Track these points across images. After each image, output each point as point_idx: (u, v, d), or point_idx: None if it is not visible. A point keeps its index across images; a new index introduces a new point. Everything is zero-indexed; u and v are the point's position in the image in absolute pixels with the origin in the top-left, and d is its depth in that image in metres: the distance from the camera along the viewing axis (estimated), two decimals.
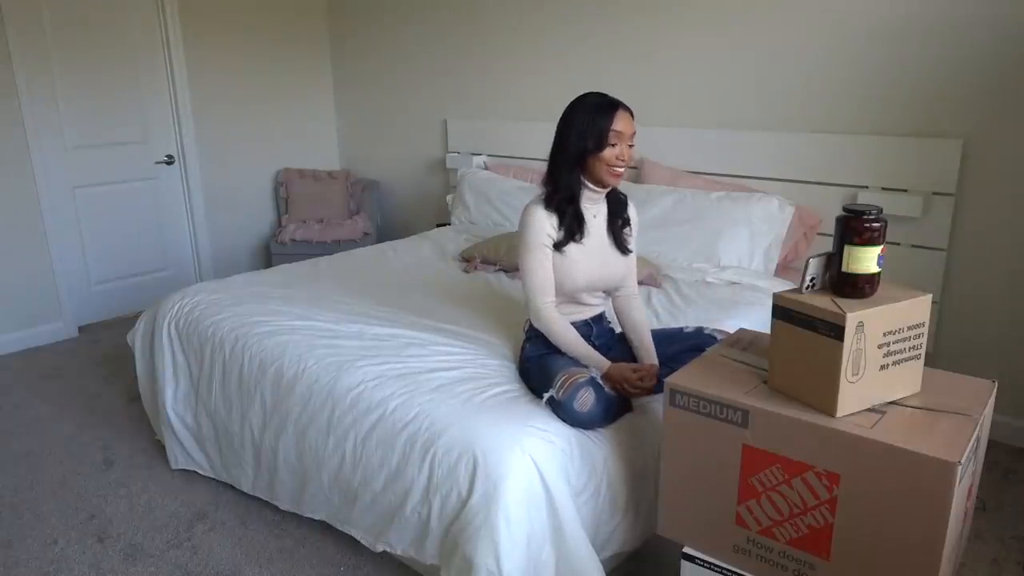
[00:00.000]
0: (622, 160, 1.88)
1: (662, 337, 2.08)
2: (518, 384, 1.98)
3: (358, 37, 4.68)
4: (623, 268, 2.06)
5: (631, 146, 1.90)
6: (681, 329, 2.09)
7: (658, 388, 1.87)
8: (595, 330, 2.09)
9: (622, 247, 2.05)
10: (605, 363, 1.92)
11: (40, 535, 2.28)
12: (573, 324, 2.03)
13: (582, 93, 1.93)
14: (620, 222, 2.05)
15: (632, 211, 2.10)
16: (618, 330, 2.20)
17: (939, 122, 2.70)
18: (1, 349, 3.73)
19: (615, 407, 1.86)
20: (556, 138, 1.93)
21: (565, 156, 1.90)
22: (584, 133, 1.86)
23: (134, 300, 4.23)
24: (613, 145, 1.86)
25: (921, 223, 2.75)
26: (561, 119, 1.92)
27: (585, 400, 1.77)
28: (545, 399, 1.83)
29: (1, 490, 2.52)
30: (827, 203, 2.95)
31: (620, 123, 1.85)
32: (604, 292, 2.11)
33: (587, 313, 2.08)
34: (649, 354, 2.02)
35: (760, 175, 3.13)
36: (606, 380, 1.88)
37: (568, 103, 1.92)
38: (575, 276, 1.96)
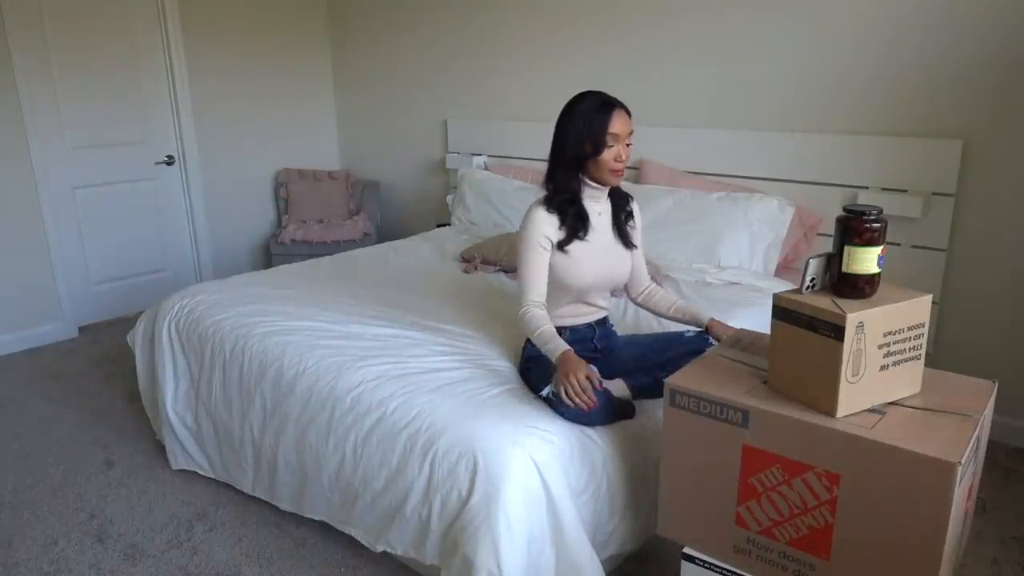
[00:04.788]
0: (620, 161, 1.88)
1: (663, 341, 2.08)
2: (518, 384, 1.98)
3: (358, 37, 4.68)
4: (629, 263, 2.06)
5: (629, 145, 1.90)
6: (682, 333, 2.09)
7: (657, 390, 1.86)
8: (598, 332, 2.09)
9: (627, 242, 2.05)
10: (562, 347, 1.82)
11: (40, 535, 2.28)
12: (577, 327, 2.04)
13: (578, 93, 1.92)
14: (624, 216, 2.05)
15: (635, 207, 2.10)
16: (620, 333, 2.21)
17: (939, 122, 2.70)
18: (1, 349, 3.73)
19: (614, 406, 1.86)
20: (554, 139, 1.93)
21: (564, 158, 1.90)
22: (581, 137, 1.86)
23: (134, 300, 4.23)
24: (611, 146, 1.86)
25: (921, 223, 2.75)
26: (559, 120, 1.92)
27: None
28: (544, 394, 1.83)
29: (1, 490, 2.52)
30: (827, 203, 2.95)
31: (617, 124, 1.85)
32: (610, 293, 2.11)
33: (593, 316, 2.08)
34: (697, 317, 2.07)
35: (760, 175, 3.13)
36: (559, 364, 1.79)
37: (566, 103, 1.92)
38: (582, 274, 1.96)
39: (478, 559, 1.61)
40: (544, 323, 1.88)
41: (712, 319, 2.04)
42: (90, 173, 3.99)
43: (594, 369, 1.84)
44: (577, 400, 1.73)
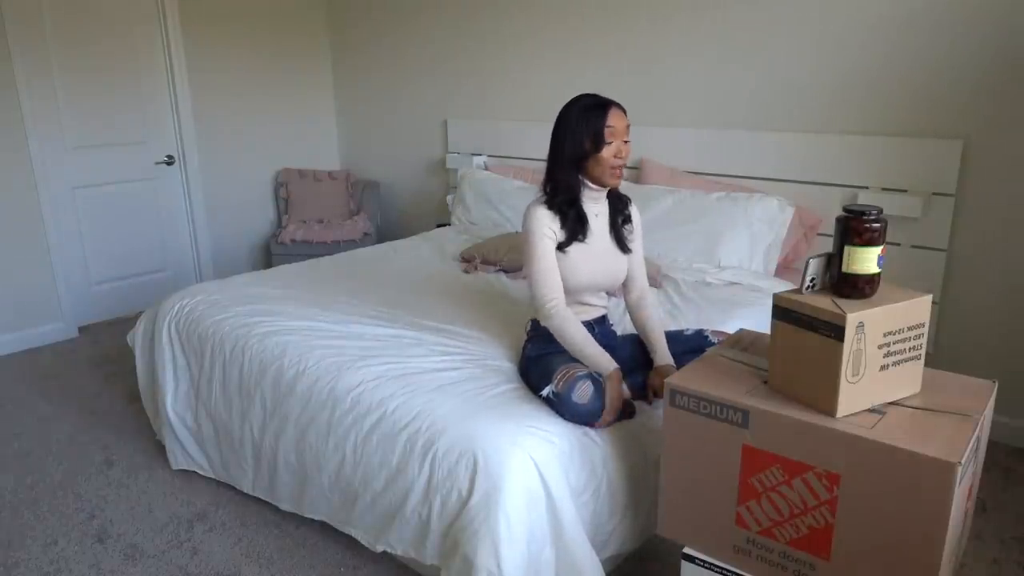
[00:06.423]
0: (620, 157, 1.89)
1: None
2: (518, 384, 1.98)
3: (358, 37, 4.68)
4: (625, 267, 2.06)
5: (627, 142, 1.92)
6: (682, 332, 2.10)
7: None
8: (597, 331, 2.08)
9: (624, 246, 2.05)
10: (611, 366, 1.89)
11: (40, 535, 2.28)
12: None
13: (574, 96, 1.94)
14: (621, 220, 2.06)
15: (634, 211, 2.10)
16: (620, 332, 2.20)
17: (939, 122, 2.70)
18: (1, 349, 3.73)
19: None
20: (552, 142, 1.95)
21: (563, 159, 1.91)
22: (580, 135, 1.87)
23: (134, 300, 4.23)
24: (610, 143, 1.87)
25: (921, 223, 2.75)
26: (556, 123, 1.94)
27: (584, 392, 1.77)
28: (545, 394, 1.83)
29: (1, 490, 2.52)
30: (827, 203, 2.95)
31: (613, 119, 1.87)
32: (607, 293, 2.11)
33: (590, 314, 2.07)
34: (662, 355, 1.99)
35: (760, 175, 3.13)
36: (609, 380, 1.86)
37: (562, 108, 1.94)
38: (578, 276, 1.96)
39: (478, 559, 1.61)
40: (581, 329, 1.93)
41: (660, 366, 1.97)
42: (90, 173, 3.99)
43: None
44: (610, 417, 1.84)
